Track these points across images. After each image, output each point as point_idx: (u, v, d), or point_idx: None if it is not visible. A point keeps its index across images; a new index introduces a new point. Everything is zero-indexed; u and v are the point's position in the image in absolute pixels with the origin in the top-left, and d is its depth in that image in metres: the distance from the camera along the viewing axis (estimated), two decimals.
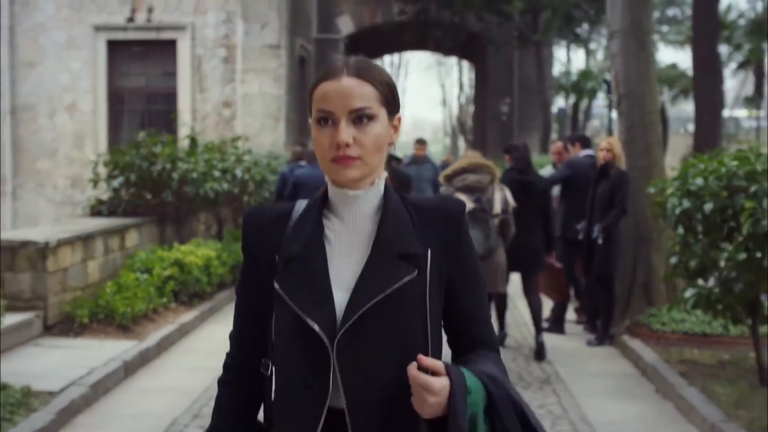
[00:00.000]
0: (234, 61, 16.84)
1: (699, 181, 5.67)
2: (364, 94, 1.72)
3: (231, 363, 1.92)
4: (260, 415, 1.92)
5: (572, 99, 31.64)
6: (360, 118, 1.72)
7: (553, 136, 28.91)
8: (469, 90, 45.05)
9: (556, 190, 8.52)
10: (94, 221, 9.40)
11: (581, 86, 29.99)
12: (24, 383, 5.65)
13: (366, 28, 22.71)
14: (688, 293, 5.86)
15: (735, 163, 5.55)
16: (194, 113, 16.71)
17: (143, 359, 7.03)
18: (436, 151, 46.52)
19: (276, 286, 1.76)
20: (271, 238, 1.82)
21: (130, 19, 16.61)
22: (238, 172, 11.25)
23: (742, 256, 5.30)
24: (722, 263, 5.67)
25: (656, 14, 42.65)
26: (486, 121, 25.53)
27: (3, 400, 5.30)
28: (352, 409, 1.69)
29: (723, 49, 28.46)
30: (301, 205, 1.86)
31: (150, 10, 16.66)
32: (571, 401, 6.08)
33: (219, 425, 1.90)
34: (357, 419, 1.69)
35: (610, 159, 7.67)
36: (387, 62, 39.09)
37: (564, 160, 8.99)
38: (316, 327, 1.68)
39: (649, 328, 7.44)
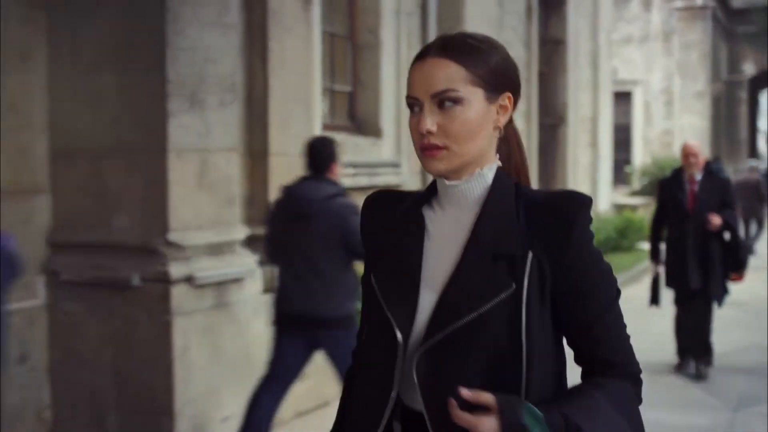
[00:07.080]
0: (672, 104, 24.88)
1: None
2: (447, 75, 1.47)
3: (354, 353, 1.76)
4: None
5: None
6: (443, 102, 1.48)
7: None
8: None
9: None
10: (637, 199, 19.11)
11: None
12: None
13: (765, 72, 28.23)
14: None
15: None
16: (644, 139, 25.32)
17: None
18: None
19: (371, 275, 1.60)
20: (380, 225, 1.64)
21: None
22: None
23: None
24: None
25: None
26: None
27: None
28: (432, 417, 1.47)
29: None
30: (421, 193, 1.62)
31: (614, 71, 23.49)
32: None
33: (337, 417, 1.77)
34: (437, 427, 1.47)
35: None
36: None
37: None
38: (393, 322, 1.51)
39: None
